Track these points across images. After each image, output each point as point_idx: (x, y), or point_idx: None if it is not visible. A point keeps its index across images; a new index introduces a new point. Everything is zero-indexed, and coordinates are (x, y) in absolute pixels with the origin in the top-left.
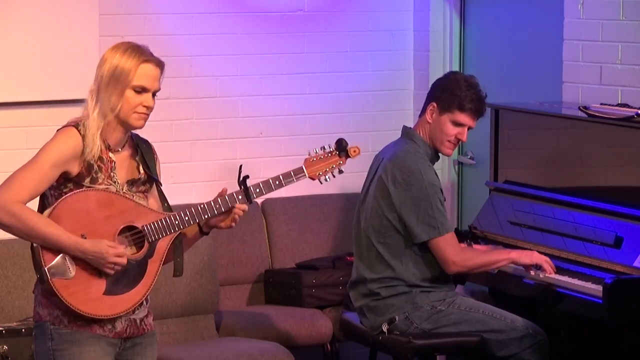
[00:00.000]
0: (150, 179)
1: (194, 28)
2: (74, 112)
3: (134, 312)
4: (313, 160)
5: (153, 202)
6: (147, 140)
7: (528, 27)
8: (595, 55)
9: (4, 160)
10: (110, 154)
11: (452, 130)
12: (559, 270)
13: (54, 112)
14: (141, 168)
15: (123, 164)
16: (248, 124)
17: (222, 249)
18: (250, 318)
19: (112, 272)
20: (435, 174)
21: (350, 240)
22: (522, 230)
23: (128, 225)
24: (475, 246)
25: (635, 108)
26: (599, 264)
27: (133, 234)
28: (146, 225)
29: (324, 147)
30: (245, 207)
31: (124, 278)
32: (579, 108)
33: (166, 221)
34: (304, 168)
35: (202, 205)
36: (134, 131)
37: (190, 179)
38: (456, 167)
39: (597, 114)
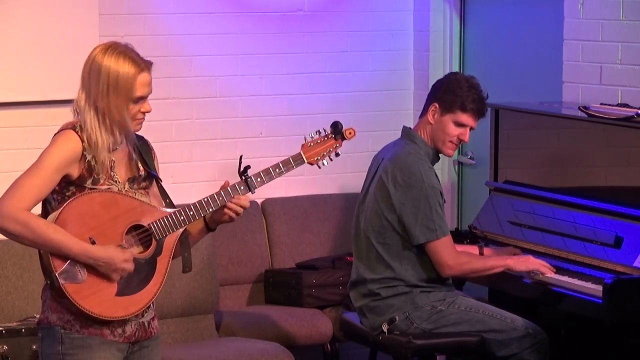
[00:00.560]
0: (150, 176)
1: (194, 28)
2: None
3: (143, 314)
4: (310, 145)
5: (153, 198)
6: (142, 137)
7: (528, 27)
8: (595, 55)
9: (4, 160)
10: (108, 154)
11: (454, 130)
12: (559, 270)
13: (54, 112)
14: (140, 165)
15: (122, 162)
16: (248, 124)
17: (222, 249)
18: (250, 318)
19: (119, 278)
20: (436, 175)
21: (350, 240)
22: (522, 230)
23: (134, 225)
24: (488, 251)
25: (635, 108)
26: (599, 264)
27: (140, 233)
28: (152, 223)
29: (319, 131)
30: (246, 201)
31: (135, 278)
32: (579, 108)
33: (172, 218)
34: (302, 154)
35: (205, 199)
36: None
37: (190, 179)
38: (456, 167)
39: (597, 114)
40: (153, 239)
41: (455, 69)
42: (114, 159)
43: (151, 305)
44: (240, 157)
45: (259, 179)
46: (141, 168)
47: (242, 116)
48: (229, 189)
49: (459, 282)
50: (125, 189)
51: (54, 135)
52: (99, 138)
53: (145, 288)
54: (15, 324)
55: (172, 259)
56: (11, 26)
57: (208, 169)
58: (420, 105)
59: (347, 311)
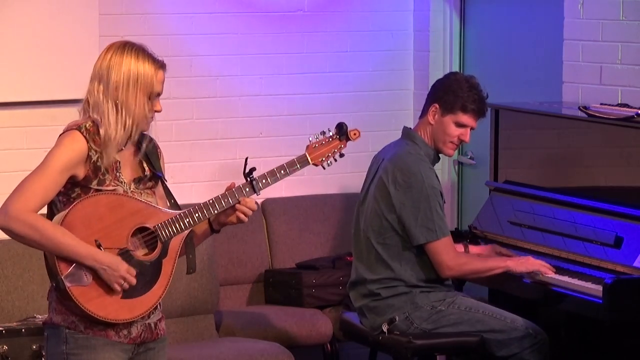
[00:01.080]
0: (156, 176)
1: (194, 28)
2: (74, 112)
3: (149, 316)
4: (315, 146)
5: (159, 199)
6: (149, 136)
7: (528, 27)
8: (595, 55)
9: (4, 160)
10: (115, 154)
11: (455, 131)
12: (559, 270)
13: (54, 112)
14: (145, 165)
15: (127, 162)
16: (248, 124)
17: (222, 249)
18: (250, 318)
19: (119, 288)
20: (436, 176)
21: (350, 240)
22: (522, 230)
23: (140, 227)
24: (473, 248)
25: (635, 108)
26: (599, 264)
27: (145, 235)
28: (158, 226)
29: (324, 132)
30: (253, 203)
31: (140, 280)
32: (579, 108)
33: (177, 219)
34: (307, 155)
35: (210, 201)
36: None
37: (190, 179)
38: (456, 167)
39: (597, 114)
40: (158, 241)
41: (455, 69)
42: (119, 159)
43: (158, 306)
44: (246, 158)
45: (264, 181)
46: (146, 168)
47: (242, 116)
48: (234, 190)
49: (459, 282)
50: (131, 189)
51: (59, 136)
52: (113, 132)
53: (151, 290)
54: (15, 324)
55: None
56: (11, 26)
57: (208, 169)
58: (420, 105)
59: (347, 311)
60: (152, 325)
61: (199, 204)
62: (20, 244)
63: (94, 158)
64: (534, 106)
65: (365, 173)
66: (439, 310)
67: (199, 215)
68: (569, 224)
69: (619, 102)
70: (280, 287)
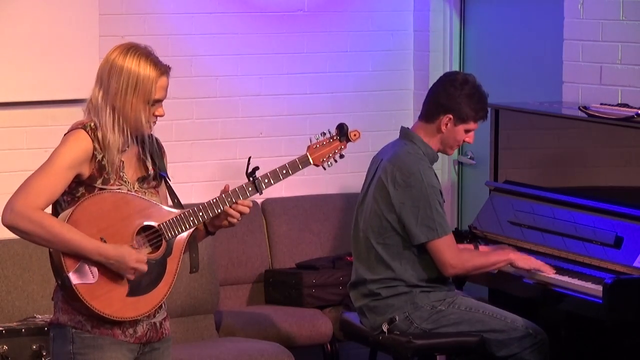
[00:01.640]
0: (159, 175)
1: (194, 28)
2: (74, 112)
3: (154, 315)
4: (316, 147)
5: (163, 198)
6: (152, 136)
7: (528, 27)
8: (595, 55)
9: (4, 160)
10: (118, 154)
11: (464, 136)
12: (559, 270)
13: (54, 112)
14: (149, 164)
15: (131, 162)
16: (248, 124)
17: (222, 249)
18: (250, 318)
19: (132, 277)
20: (436, 175)
21: (350, 240)
22: (522, 230)
23: (144, 225)
24: (484, 248)
25: (635, 108)
26: (599, 264)
27: (150, 234)
28: (162, 224)
29: (324, 133)
30: (245, 207)
31: (145, 278)
32: (579, 108)
33: (181, 218)
34: (308, 155)
35: (214, 200)
36: None
37: (190, 179)
38: (456, 167)
39: (597, 114)
40: (163, 240)
41: (455, 68)
42: (123, 159)
43: (163, 305)
44: (249, 158)
45: (266, 180)
46: (150, 167)
47: (242, 116)
48: (237, 189)
49: (459, 281)
50: (135, 188)
51: (65, 134)
52: (111, 137)
53: (156, 288)
54: (15, 324)
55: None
56: (11, 26)
57: (208, 169)
58: (420, 105)
59: (347, 311)
60: (157, 324)
61: (202, 203)
62: (20, 244)
63: (99, 157)
64: (534, 106)
65: (365, 173)
66: (439, 310)
67: (202, 214)
68: (569, 224)
69: (619, 102)
70: (280, 287)
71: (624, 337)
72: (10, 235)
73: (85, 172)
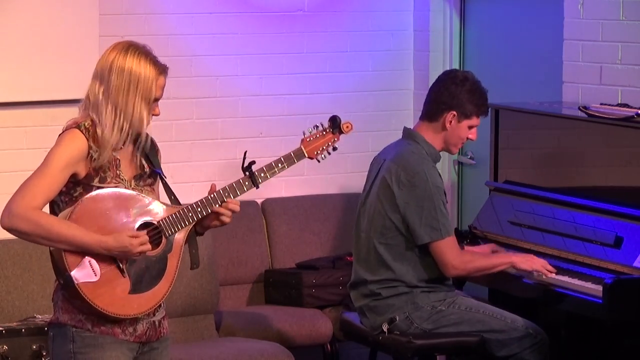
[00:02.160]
0: (155, 172)
1: (195, 28)
2: (74, 112)
3: (154, 313)
4: (309, 140)
5: (158, 196)
6: (146, 134)
7: (528, 27)
8: (595, 55)
9: (4, 160)
10: (114, 153)
11: (467, 133)
12: (559, 271)
13: (54, 112)
14: (144, 162)
15: (126, 160)
16: (248, 124)
17: (222, 249)
18: (250, 318)
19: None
20: (439, 175)
21: (350, 240)
22: (522, 230)
23: (144, 222)
24: (476, 247)
25: (635, 108)
26: (599, 264)
27: (150, 231)
28: (162, 221)
29: (316, 126)
30: (236, 205)
31: (146, 276)
32: (579, 108)
33: (180, 214)
34: (302, 148)
35: (212, 195)
36: None
37: (190, 179)
38: (456, 167)
39: (597, 114)
40: (163, 236)
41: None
42: (119, 157)
43: (162, 304)
44: (245, 152)
45: (262, 174)
46: (145, 165)
47: (242, 116)
48: (234, 184)
49: (459, 282)
50: (132, 186)
51: (59, 134)
52: (108, 134)
53: (157, 285)
54: (15, 324)
55: None
56: (11, 26)
57: (208, 169)
58: (420, 105)
59: (347, 311)
60: (157, 323)
61: (200, 200)
62: (20, 244)
63: (95, 156)
64: (534, 106)
65: (366, 173)
66: (439, 310)
67: (201, 209)
68: (569, 224)
69: (619, 102)
70: (280, 287)
71: (624, 337)
72: (10, 235)
73: (81, 171)
